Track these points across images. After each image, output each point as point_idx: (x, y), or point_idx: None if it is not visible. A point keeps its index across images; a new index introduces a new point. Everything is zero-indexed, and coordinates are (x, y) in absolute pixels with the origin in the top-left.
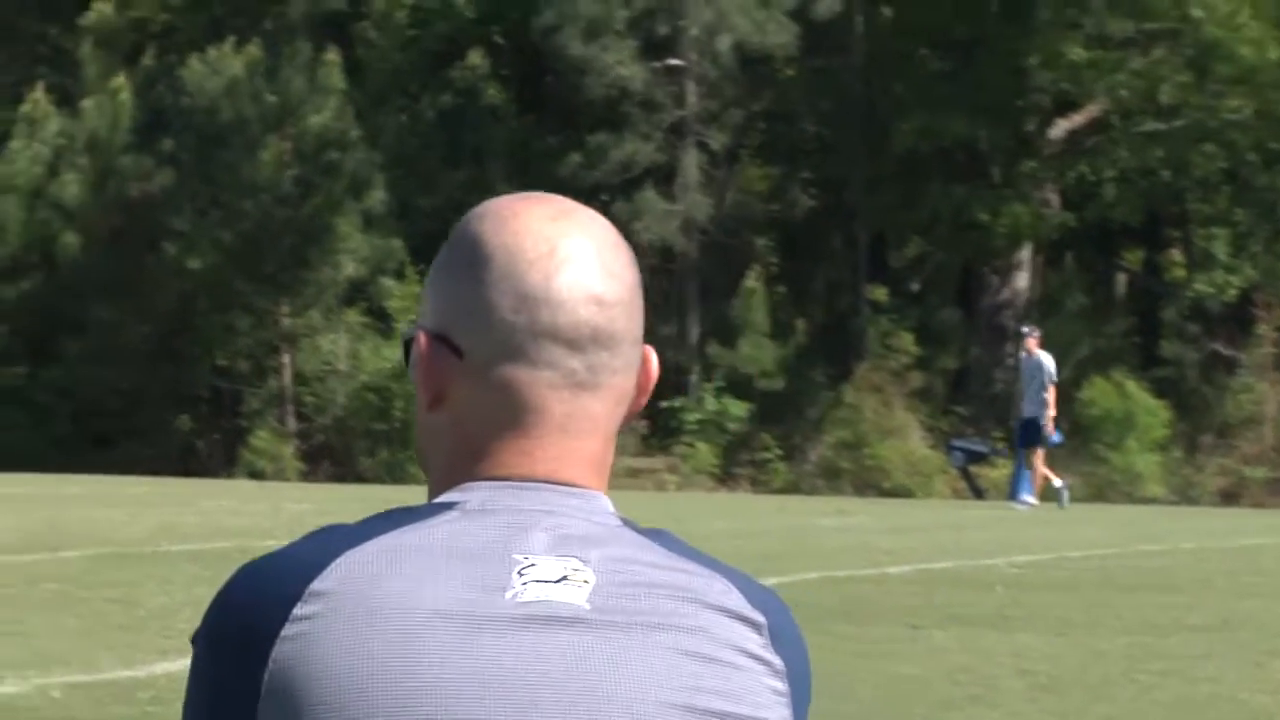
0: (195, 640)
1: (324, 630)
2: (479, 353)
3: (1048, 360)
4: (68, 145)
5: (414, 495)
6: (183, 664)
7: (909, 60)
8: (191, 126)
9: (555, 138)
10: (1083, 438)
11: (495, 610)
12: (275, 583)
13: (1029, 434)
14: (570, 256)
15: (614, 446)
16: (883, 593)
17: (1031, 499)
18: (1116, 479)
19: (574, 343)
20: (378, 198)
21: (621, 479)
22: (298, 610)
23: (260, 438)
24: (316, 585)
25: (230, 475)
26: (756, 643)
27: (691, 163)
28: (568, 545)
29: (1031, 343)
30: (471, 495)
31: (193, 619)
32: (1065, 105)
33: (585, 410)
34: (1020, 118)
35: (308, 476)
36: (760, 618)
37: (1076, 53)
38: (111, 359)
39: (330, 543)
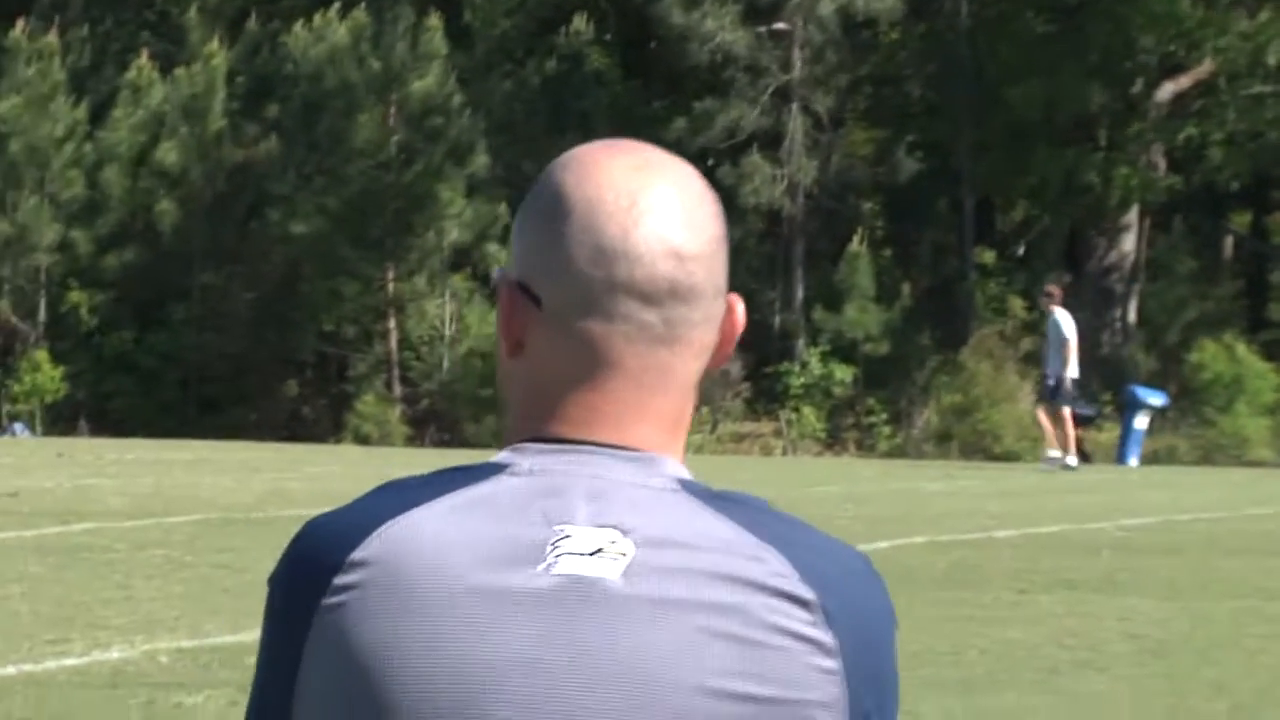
0: (269, 582)
1: (358, 604)
2: (556, 304)
3: (1064, 319)
4: (169, 112)
5: None
6: None
7: (1015, 22)
8: (295, 93)
9: (660, 103)
10: (1191, 401)
11: (525, 584)
12: (324, 548)
13: (1053, 393)
14: (650, 209)
15: (693, 399)
16: (990, 557)
17: (1071, 460)
18: (1225, 442)
19: (650, 296)
20: (481, 163)
21: (727, 443)
22: (337, 580)
23: (366, 403)
24: (356, 554)
25: (337, 440)
26: (803, 619)
27: (797, 127)
28: (610, 515)
29: (1051, 302)
30: (524, 458)
31: None
32: (1172, 68)
33: (661, 364)
34: (1127, 80)
35: (413, 441)
36: (810, 594)
37: (1184, 14)
38: (217, 325)
39: (378, 507)
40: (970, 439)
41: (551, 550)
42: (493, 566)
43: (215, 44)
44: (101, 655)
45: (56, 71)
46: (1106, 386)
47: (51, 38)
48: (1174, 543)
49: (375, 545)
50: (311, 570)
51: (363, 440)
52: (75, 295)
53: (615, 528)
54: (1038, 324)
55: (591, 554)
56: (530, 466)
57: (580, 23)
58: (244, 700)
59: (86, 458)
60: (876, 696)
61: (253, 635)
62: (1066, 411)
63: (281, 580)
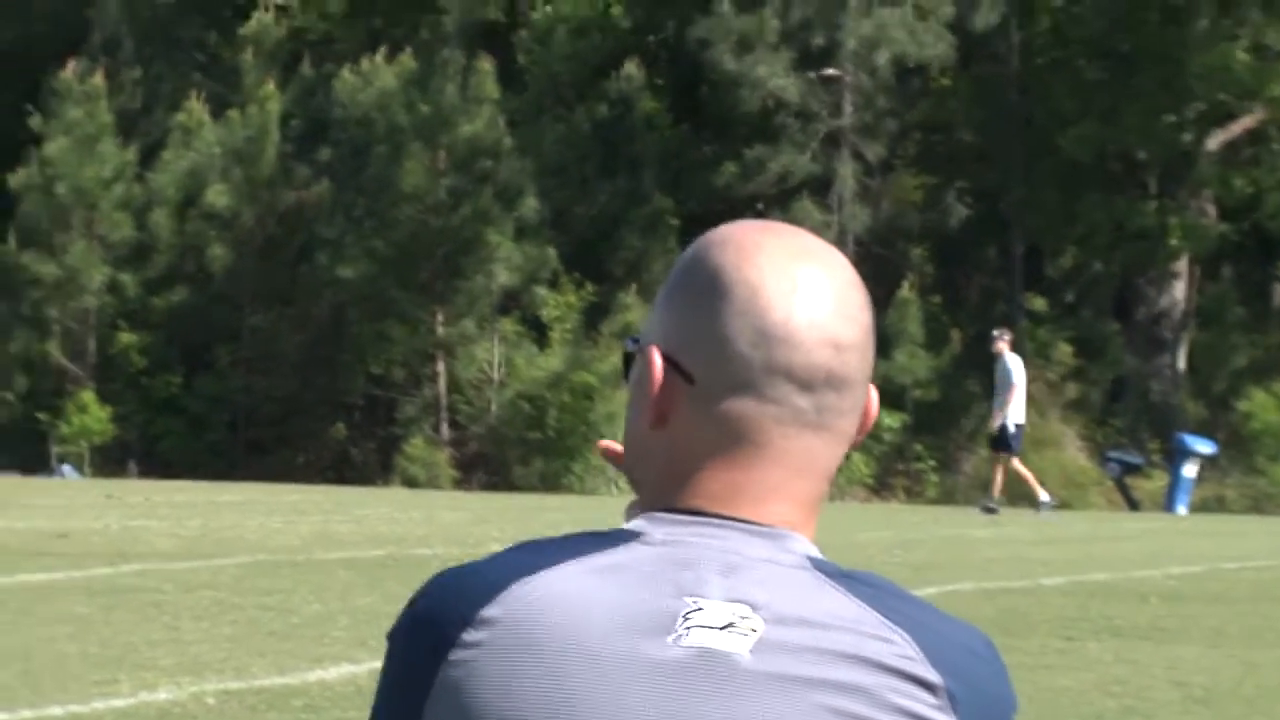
0: (389, 637)
1: (486, 661)
2: (710, 382)
3: (1013, 362)
4: (220, 154)
5: (569, 504)
6: (336, 672)
7: (1066, 69)
8: (345, 137)
9: (710, 148)
10: (1240, 449)
11: (656, 654)
12: (454, 602)
13: (1001, 440)
14: (812, 297)
15: (828, 488)
16: (1037, 604)
17: (992, 504)
18: (1274, 491)
19: (807, 383)
20: (531, 206)
21: None
22: (466, 635)
23: (415, 445)
24: (486, 611)
25: (385, 483)
26: (928, 704)
27: (847, 173)
28: (742, 590)
29: (1001, 345)
30: (658, 528)
31: (348, 626)
32: (1223, 116)
33: (808, 449)
34: (1179, 128)
35: (461, 485)
36: (937, 678)
37: (1236, 62)
38: (266, 367)
39: (510, 566)
40: (1016, 486)
41: (683, 622)
42: (624, 633)
43: (270, 86)
44: (149, 696)
45: (104, 113)
46: (1155, 434)
47: (99, 79)
48: (1222, 591)
49: (507, 603)
50: (439, 624)
51: (410, 483)
52: (124, 337)
53: (747, 603)
54: (1086, 370)
55: (723, 628)
56: (664, 537)
57: (632, 68)
58: None
59: (135, 499)
60: None
61: (299, 677)
62: (1016, 461)
63: (406, 632)
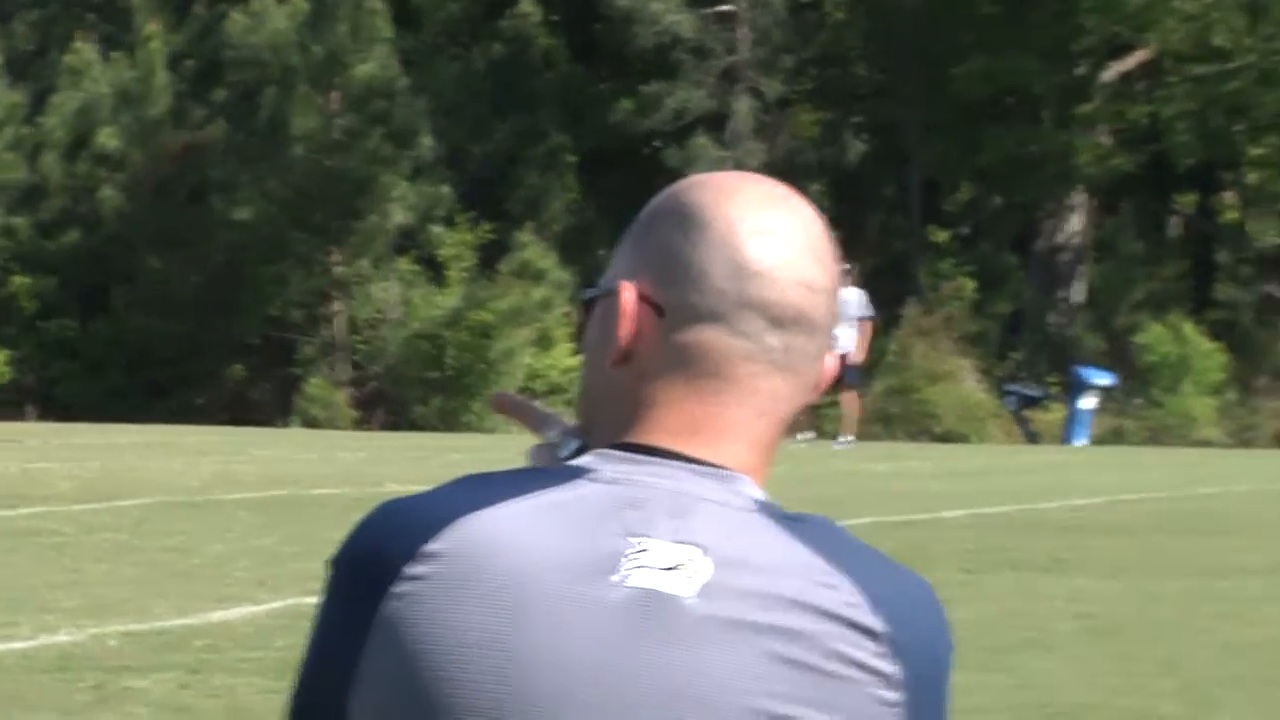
0: (330, 564)
1: (428, 595)
2: (681, 313)
3: (852, 295)
4: (109, 96)
5: (468, 443)
6: (238, 612)
7: (962, 3)
8: (238, 78)
9: (607, 85)
10: (1138, 381)
11: (598, 593)
12: (397, 535)
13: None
14: (788, 237)
15: (782, 435)
16: (938, 537)
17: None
18: (1172, 422)
19: (778, 320)
20: (426, 145)
21: None
22: (409, 569)
23: (314, 385)
24: (430, 546)
25: (284, 424)
26: (870, 651)
27: (743, 109)
28: (690, 532)
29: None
30: (608, 465)
31: (249, 567)
32: (1118, 49)
33: (773, 390)
34: (1073, 61)
35: (361, 424)
36: (880, 626)
37: None
38: (163, 309)
39: (455, 500)
40: (912, 419)
41: (627, 562)
42: (567, 572)
43: (154, 26)
44: (49, 639)
45: None
46: (1054, 367)
47: None
48: (1122, 523)
49: (450, 538)
50: (382, 556)
51: (311, 423)
52: (18, 280)
53: (695, 545)
54: (984, 304)
55: (668, 569)
56: (613, 475)
57: (527, 5)
58: (193, 682)
59: (34, 442)
60: None
61: (201, 618)
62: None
63: (347, 563)
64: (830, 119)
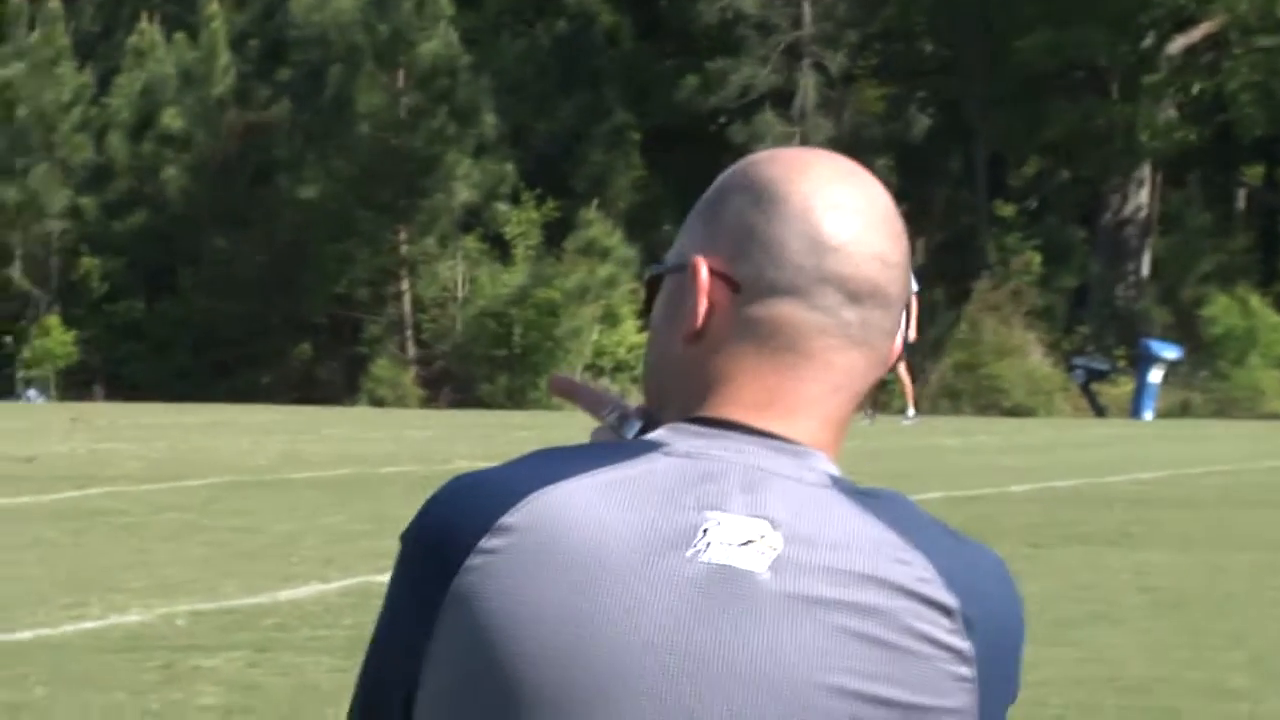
0: (401, 539)
1: (502, 569)
2: (759, 287)
3: None
4: (173, 76)
5: (535, 420)
6: (305, 590)
7: None
8: (302, 58)
9: (672, 62)
10: (1205, 354)
11: (673, 568)
12: (471, 509)
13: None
14: (863, 212)
15: (855, 410)
16: (1005, 511)
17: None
18: (1239, 395)
19: (855, 295)
20: (489, 124)
21: None
22: (483, 543)
23: (381, 365)
24: (505, 519)
25: (351, 402)
26: (944, 627)
27: (809, 85)
28: (764, 507)
29: None
30: (681, 439)
31: (317, 545)
32: (1184, 20)
33: (850, 365)
34: (1139, 33)
35: (428, 403)
36: (953, 601)
37: None
38: (228, 289)
39: (529, 475)
40: (979, 394)
41: (702, 536)
42: (642, 547)
43: (216, 6)
44: (119, 619)
45: (61, 36)
46: (1121, 341)
47: (55, 2)
48: (1189, 496)
49: (525, 511)
50: (455, 531)
51: (378, 402)
52: (87, 261)
53: (767, 519)
54: (1051, 278)
55: (742, 545)
56: (687, 449)
57: None
58: (261, 661)
59: (101, 422)
60: (1005, 703)
61: (269, 596)
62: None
63: (418, 539)
64: (895, 94)
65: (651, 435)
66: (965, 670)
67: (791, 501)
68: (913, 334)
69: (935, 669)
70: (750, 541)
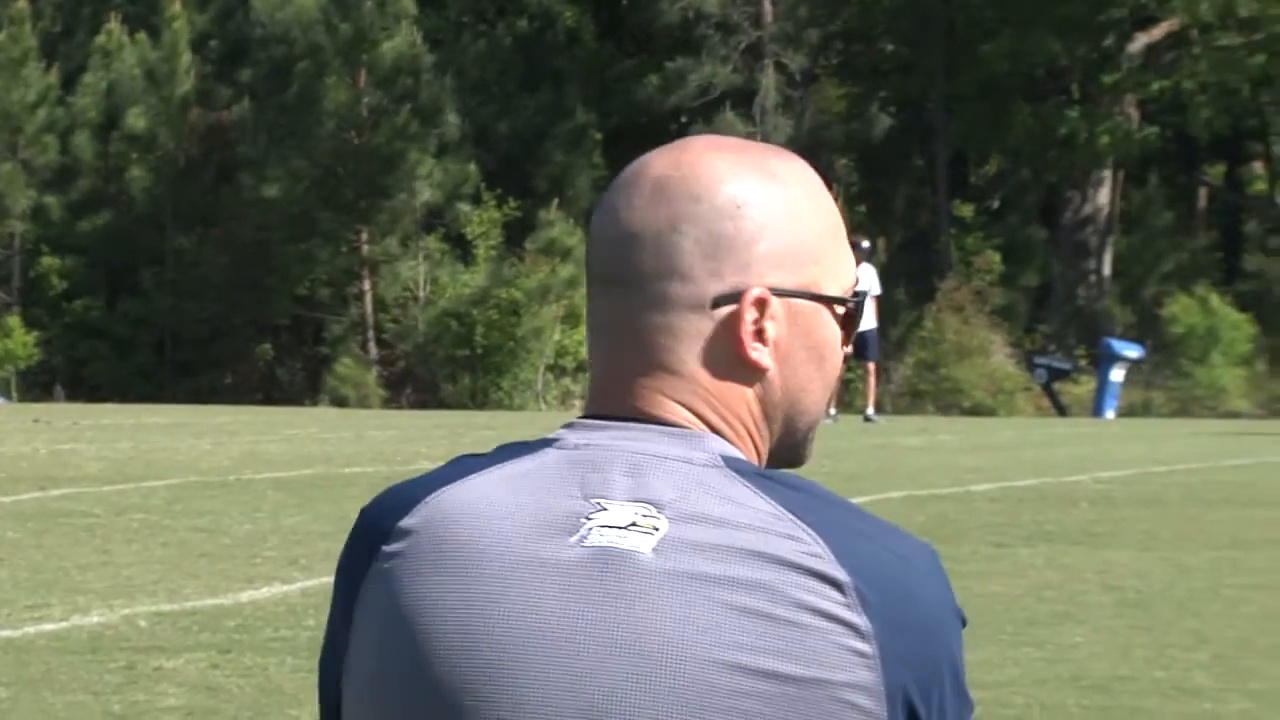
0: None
1: (399, 571)
2: (589, 278)
3: (868, 272)
4: (138, 76)
5: (498, 420)
6: (268, 591)
7: None
8: (264, 57)
9: (632, 61)
10: (1167, 353)
11: (555, 556)
12: (380, 516)
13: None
14: (632, 185)
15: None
16: (968, 511)
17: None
18: (1200, 394)
19: (647, 274)
20: (452, 123)
21: None
22: (385, 547)
23: (344, 365)
24: (404, 522)
25: (313, 402)
26: (836, 601)
27: (769, 84)
28: (647, 490)
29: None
30: (575, 433)
31: (279, 546)
32: (1144, 20)
33: (701, 344)
34: (1099, 33)
35: (390, 403)
36: (844, 576)
37: None
38: (191, 289)
39: (434, 478)
40: (940, 394)
41: (586, 523)
42: (528, 537)
43: (178, 7)
44: (81, 620)
45: (28, 36)
46: (1082, 340)
47: (22, 2)
48: (1152, 494)
49: (421, 514)
50: (368, 536)
51: (340, 402)
52: (48, 260)
53: (651, 502)
54: (1012, 277)
55: (625, 527)
56: (577, 441)
57: None
58: (224, 663)
59: (63, 423)
60: (924, 687)
61: (232, 598)
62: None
63: (346, 546)
64: (857, 93)
65: (553, 433)
66: (861, 645)
67: (679, 483)
68: (872, 322)
69: (827, 642)
70: (633, 524)
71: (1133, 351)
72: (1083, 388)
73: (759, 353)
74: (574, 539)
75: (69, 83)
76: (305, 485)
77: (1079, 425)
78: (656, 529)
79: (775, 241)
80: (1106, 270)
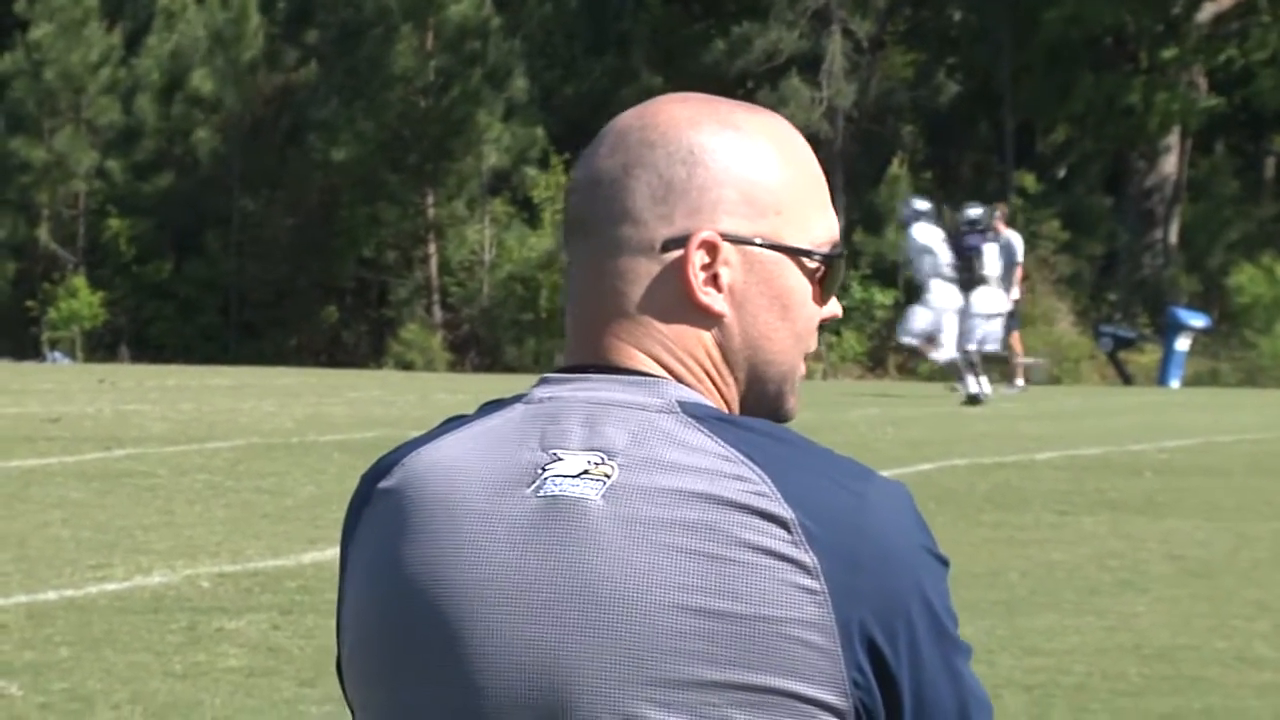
0: None
1: (374, 531)
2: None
3: (1015, 238)
4: (204, 38)
5: None
6: (330, 553)
7: None
8: (332, 19)
9: (700, 24)
10: (1232, 323)
11: (513, 507)
12: (369, 478)
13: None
14: (603, 138)
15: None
16: (1031, 479)
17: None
18: (1266, 364)
19: (601, 218)
20: (519, 87)
21: None
22: (365, 510)
23: (409, 329)
24: (382, 484)
25: (378, 366)
26: (780, 538)
27: (836, 50)
28: (600, 439)
29: (999, 223)
30: (542, 388)
31: (341, 509)
32: None
33: (652, 289)
34: (1167, 1)
35: (455, 367)
36: (789, 514)
37: None
38: (257, 251)
39: (415, 440)
40: (1007, 362)
41: (541, 474)
42: (491, 492)
43: None
44: (143, 580)
45: None
46: (1148, 309)
47: None
48: (1216, 464)
49: (397, 475)
50: (355, 501)
51: (405, 366)
52: (114, 222)
53: (601, 450)
54: (1077, 246)
55: (576, 476)
56: (542, 395)
57: None
58: (285, 624)
59: (128, 384)
60: (885, 622)
61: (294, 559)
62: (1016, 334)
63: (345, 512)
64: (924, 60)
65: (527, 390)
66: (808, 581)
67: (633, 429)
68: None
69: (773, 579)
70: (585, 472)
71: (1199, 321)
72: (1148, 357)
73: (710, 297)
74: (529, 489)
75: (131, 43)
76: (369, 448)
77: (1144, 394)
78: (608, 476)
79: (731, 189)
80: (1173, 239)
